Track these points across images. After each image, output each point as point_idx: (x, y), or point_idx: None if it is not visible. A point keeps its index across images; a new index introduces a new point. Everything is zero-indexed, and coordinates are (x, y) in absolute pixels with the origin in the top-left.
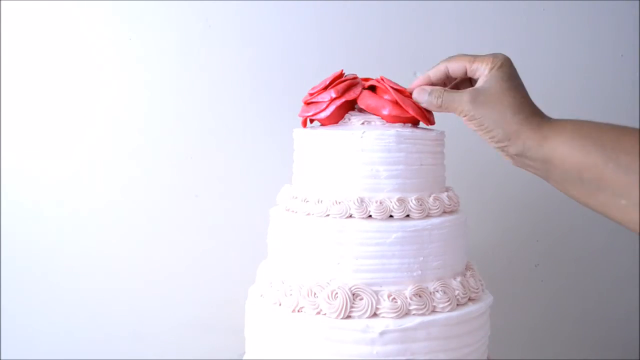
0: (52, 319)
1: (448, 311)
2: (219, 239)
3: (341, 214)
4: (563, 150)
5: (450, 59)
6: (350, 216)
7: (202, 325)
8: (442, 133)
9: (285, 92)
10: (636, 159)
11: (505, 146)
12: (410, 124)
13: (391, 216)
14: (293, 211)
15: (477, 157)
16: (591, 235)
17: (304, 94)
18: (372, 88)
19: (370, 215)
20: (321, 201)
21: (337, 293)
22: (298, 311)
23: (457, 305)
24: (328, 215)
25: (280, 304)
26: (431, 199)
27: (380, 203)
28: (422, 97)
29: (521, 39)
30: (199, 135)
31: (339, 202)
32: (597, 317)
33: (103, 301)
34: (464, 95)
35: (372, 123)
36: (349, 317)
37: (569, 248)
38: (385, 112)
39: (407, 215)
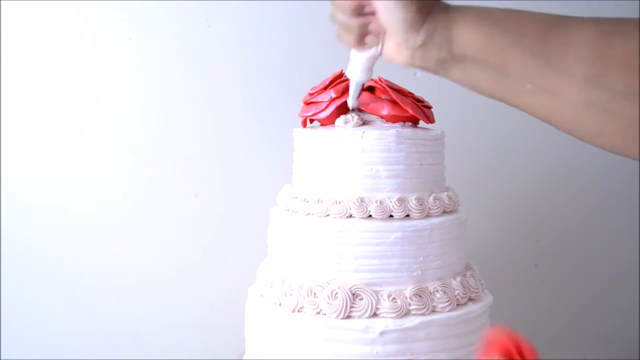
0: (52, 319)
1: (448, 311)
2: (219, 238)
3: (341, 213)
4: (469, 32)
5: None
6: (350, 216)
7: (202, 325)
8: (442, 133)
9: (285, 92)
10: (540, 41)
11: (414, 31)
12: (410, 123)
13: (391, 216)
14: (293, 211)
15: (476, 157)
16: (591, 235)
17: (303, 94)
18: (371, 89)
19: (370, 215)
20: (321, 201)
21: (337, 293)
22: (298, 311)
23: (457, 305)
24: (328, 215)
25: (280, 304)
26: (431, 198)
27: (380, 203)
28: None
29: None
30: (198, 135)
31: (339, 202)
32: (597, 316)
33: (102, 301)
34: None
35: (372, 123)
36: (349, 317)
37: (569, 248)
38: (384, 112)
39: (407, 215)
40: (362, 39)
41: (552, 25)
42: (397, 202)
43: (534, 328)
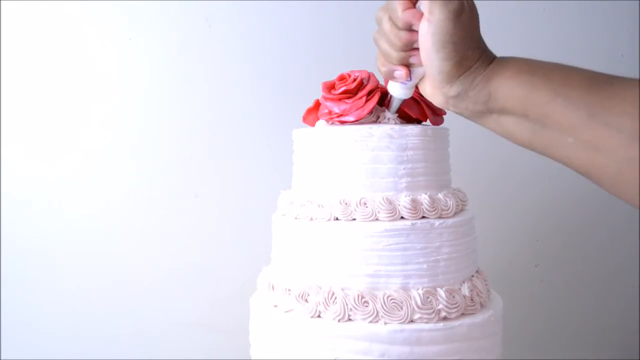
0: (52, 319)
1: (454, 318)
2: (218, 239)
3: (346, 216)
4: (509, 85)
5: None
6: (354, 219)
7: (202, 325)
8: (446, 130)
9: (285, 92)
10: (585, 95)
11: (448, 83)
12: (415, 122)
13: (402, 217)
14: (297, 217)
15: (476, 157)
16: (591, 235)
17: (303, 94)
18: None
19: (377, 218)
20: (323, 205)
21: (337, 297)
22: (318, 316)
23: (465, 312)
24: (336, 219)
25: (289, 309)
26: (440, 197)
27: (380, 204)
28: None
29: (521, 39)
30: (198, 135)
31: (346, 203)
32: (597, 317)
33: (103, 301)
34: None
35: (380, 121)
36: (350, 320)
37: (569, 248)
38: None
39: (423, 217)
40: (406, 58)
41: (597, 80)
42: (408, 203)
43: (534, 328)
